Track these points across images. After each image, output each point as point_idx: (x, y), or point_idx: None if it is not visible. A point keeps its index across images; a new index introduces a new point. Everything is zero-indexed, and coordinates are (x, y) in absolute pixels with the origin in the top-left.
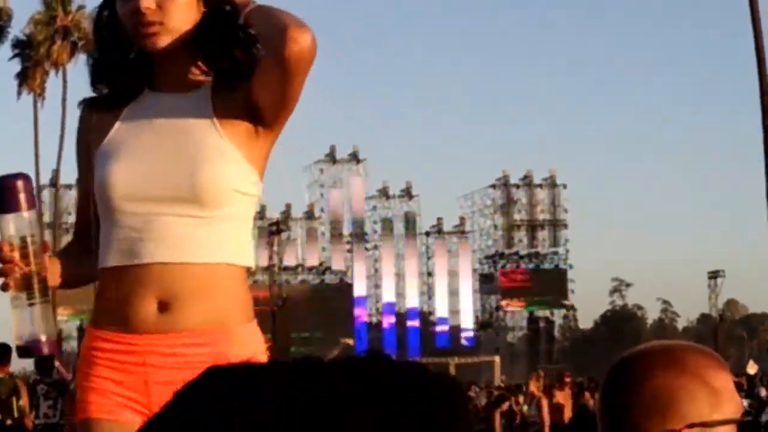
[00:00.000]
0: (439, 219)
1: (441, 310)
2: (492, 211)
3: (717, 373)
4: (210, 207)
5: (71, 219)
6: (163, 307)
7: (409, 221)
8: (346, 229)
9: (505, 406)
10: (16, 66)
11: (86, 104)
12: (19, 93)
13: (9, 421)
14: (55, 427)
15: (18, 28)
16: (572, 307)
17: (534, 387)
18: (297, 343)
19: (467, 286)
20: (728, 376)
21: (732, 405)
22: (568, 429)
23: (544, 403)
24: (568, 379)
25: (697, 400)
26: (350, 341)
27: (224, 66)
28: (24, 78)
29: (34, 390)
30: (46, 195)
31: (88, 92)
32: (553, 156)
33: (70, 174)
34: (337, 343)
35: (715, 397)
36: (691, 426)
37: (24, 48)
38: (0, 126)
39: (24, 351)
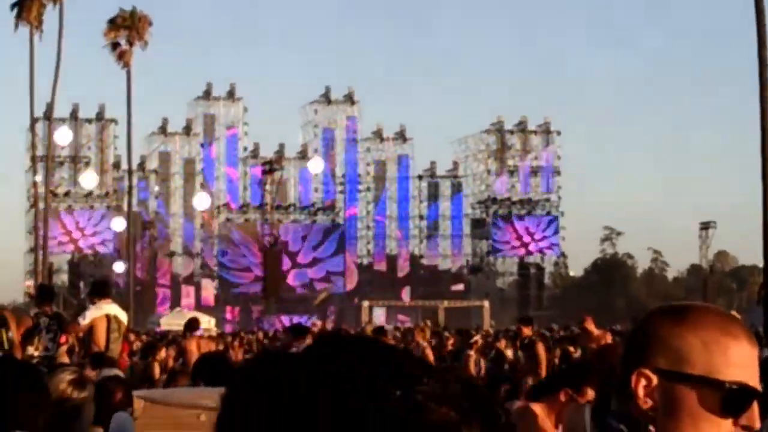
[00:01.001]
0: (433, 163)
1: (432, 253)
2: (486, 156)
3: (720, 334)
4: None
5: (65, 152)
6: None
7: (402, 164)
8: (339, 170)
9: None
10: None
11: None
12: (16, 25)
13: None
14: (51, 359)
15: None
16: (563, 254)
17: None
18: (288, 282)
19: (459, 230)
20: (735, 344)
21: (716, 367)
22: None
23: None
24: (590, 325)
25: (673, 347)
26: (328, 289)
27: None
28: (21, 10)
29: (38, 322)
30: (40, 128)
31: (85, 26)
32: (548, 102)
33: (64, 107)
34: (324, 288)
35: (697, 352)
36: (656, 371)
37: None
38: None
39: None
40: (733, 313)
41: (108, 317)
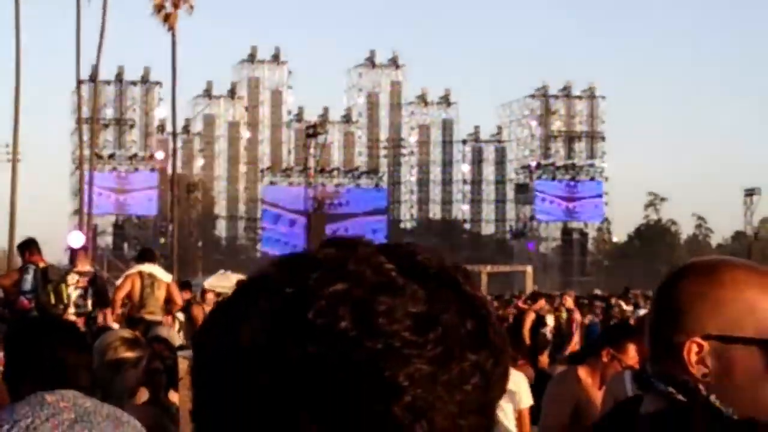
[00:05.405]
0: (477, 127)
1: (475, 217)
2: (530, 121)
3: (760, 292)
4: None
5: (109, 114)
6: None
7: (447, 128)
8: (383, 134)
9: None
10: None
11: None
12: None
13: (61, 307)
14: (87, 315)
15: None
16: (606, 220)
17: None
18: None
19: (502, 195)
20: None
21: (764, 326)
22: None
23: None
24: None
25: (721, 312)
26: None
27: None
28: None
29: (65, 279)
30: (85, 89)
31: None
32: (593, 67)
33: (109, 70)
34: None
35: (745, 314)
36: (707, 338)
37: None
38: (44, 21)
39: None
40: None
41: (141, 274)
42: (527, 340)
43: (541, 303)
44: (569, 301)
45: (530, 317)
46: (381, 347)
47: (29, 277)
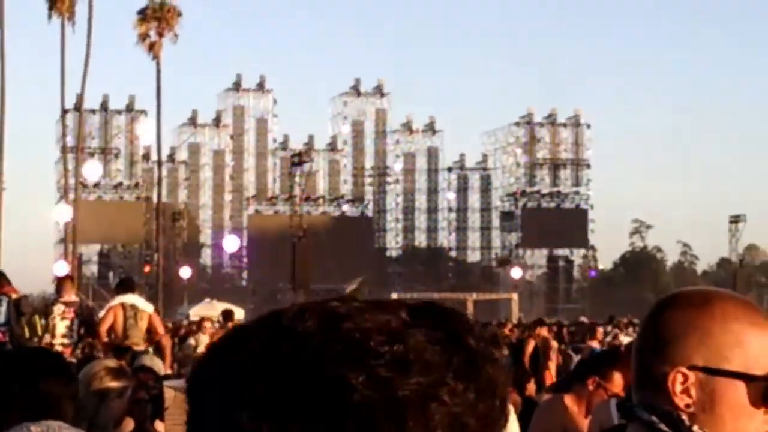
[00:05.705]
0: (462, 155)
1: (461, 245)
2: (515, 149)
3: (749, 327)
4: None
5: (94, 143)
6: None
7: (432, 156)
8: (369, 162)
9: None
10: None
11: None
12: (50, 17)
13: (36, 339)
14: (73, 347)
15: None
16: (592, 247)
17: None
18: (316, 273)
19: (488, 223)
20: (763, 334)
21: (751, 361)
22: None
23: None
24: None
25: (708, 343)
26: (357, 282)
27: None
28: (53, 1)
29: (51, 310)
30: (70, 119)
31: (116, 18)
32: (578, 95)
33: (94, 99)
34: (355, 276)
35: (732, 347)
36: (693, 368)
37: None
38: (30, 49)
39: None
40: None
41: (123, 305)
42: (527, 366)
43: (540, 331)
44: (544, 330)
45: (531, 344)
46: (340, 348)
47: (2, 309)
